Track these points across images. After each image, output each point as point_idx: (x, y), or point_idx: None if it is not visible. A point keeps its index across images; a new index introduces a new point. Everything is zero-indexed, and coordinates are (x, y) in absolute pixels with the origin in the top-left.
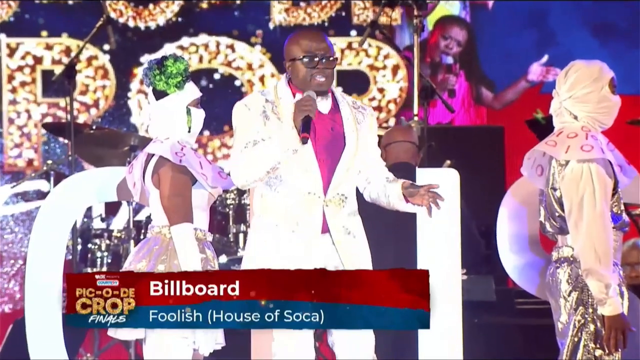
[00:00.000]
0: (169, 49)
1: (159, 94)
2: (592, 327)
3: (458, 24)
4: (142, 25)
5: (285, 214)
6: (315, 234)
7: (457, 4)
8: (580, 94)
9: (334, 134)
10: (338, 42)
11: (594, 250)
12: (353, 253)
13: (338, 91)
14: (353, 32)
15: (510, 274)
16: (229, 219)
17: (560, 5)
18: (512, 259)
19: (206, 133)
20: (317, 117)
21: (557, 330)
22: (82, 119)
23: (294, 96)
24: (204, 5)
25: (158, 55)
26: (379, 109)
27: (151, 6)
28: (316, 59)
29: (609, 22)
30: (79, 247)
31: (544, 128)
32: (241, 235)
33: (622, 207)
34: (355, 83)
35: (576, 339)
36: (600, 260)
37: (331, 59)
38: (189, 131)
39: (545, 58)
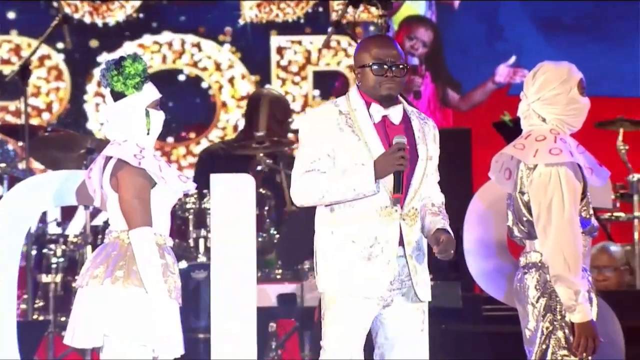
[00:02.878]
0: (129, 47)
1: (117, 96)
2: (560, 334)
3: (424, 24)
4: (99, 22)
5: (361, 229)
6: (393, 249)
7: (422, 3)
8: (549, 95)
9: (410, 144)
10: (315, 41)
11: (562, 256)
12: (421, 270)
13: (404, 101)
14: (331, 30)
15: (477, 280)
16: (189, 223)
17: (510, 3)
18: (479, 264)
19: (170, 140)
20: (390, 127)
21: (525, 337)
22: (34, 124)
23: (369, 106)
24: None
25: (117, 54)
26: None
27: (110, 1)
28: (385, 67)
29: (557, 18)
30: (34, 253)
31: (511, 130)
32: (201, 241)
33: (591, 212)
34: (334, 84)
35: (544, 346)
36: (569, 266)
37: (401, 66)
38: (148, 133)
39: (512, 59)
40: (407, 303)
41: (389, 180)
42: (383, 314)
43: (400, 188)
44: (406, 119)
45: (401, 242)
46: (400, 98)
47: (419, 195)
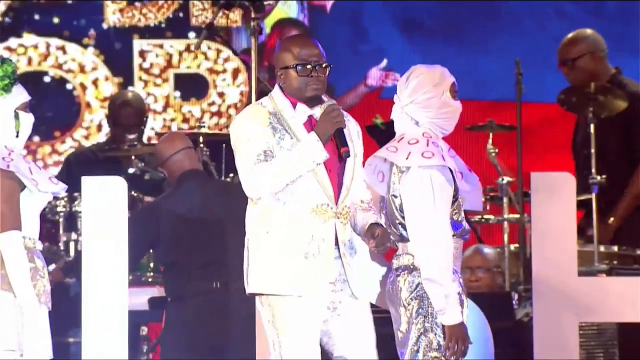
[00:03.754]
0: None
1: None
2: (431, 336)
3: (296, 27)
4: None
5: (297, 228)
6: (330, 247)
7: (294, 5)
8: (422, 99)
9: (333, 143)
10: (175, 45)
11: (433, 258)
12: (356, 267)
13: (325, 98)
14: (191, 34)
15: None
16: (59, 226)
17: (372, 3)
18: None
19: (36, 139)
20: (313, 124)
21: (397, 339)
22: None
23: (294, 107)
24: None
25: None
26: (219, 114)
27: None
28: (309, 67)
29: (416, 20)
30: None
31: (384, 133)
32: (72, 244)
33: (462, 215)
34: (194, 87)
35: (416, 348)
36: (440, 268)
37: (324, 65)
38: (17, 136)
39: (384, 62)
40: (352, 303)
41: (322, 175)
42: (330, 318)
43: (346, 142)
44: None
45: (336, 241)
46: (323, 96)
47: (350, 194)
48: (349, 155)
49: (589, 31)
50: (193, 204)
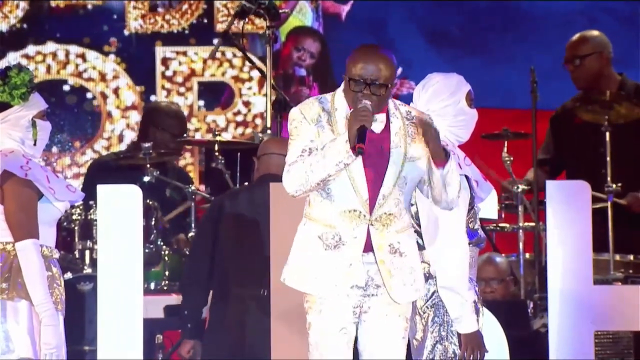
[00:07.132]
0: (13, 58)
1: (2, 106)
2: (447, 344)
3: (311, 35)
4: None
5: (328, 229)
6: (358, 251)
7: (310, 14)
8: (438, 107)
9: (383, 152)
10: (200, 52)
11: (450, 266)
12: (399, 273)
13: (393, 103)
14: (216, 41)
15: None
16: (74, 235)
17: (398, 14)
18: None
19: (55, 150)
20: (368, 136)
21: (412, 347)
22: None
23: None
24: (53, 4)
25: (1, 65)
26: (244, 124)
27: None
28: (363, 84)
29: (442, 30)
30: None
31: None
32: (87, 252)
33: (478, 223)
34: (219, 95)
35: (431, 357)
36: (457, 276)
37: (381, 84)
38: (35, 144)
39: (399, 71)
40: (385, 309)
41: (359, 180)
42: (361, 321)
43: (364, 140)
44: (388, 125)
45: (371, 248)
46: (392, 102)
47: (393, 201)
48: (361, 153)
49: (597, 32)
50: (257, 208)
